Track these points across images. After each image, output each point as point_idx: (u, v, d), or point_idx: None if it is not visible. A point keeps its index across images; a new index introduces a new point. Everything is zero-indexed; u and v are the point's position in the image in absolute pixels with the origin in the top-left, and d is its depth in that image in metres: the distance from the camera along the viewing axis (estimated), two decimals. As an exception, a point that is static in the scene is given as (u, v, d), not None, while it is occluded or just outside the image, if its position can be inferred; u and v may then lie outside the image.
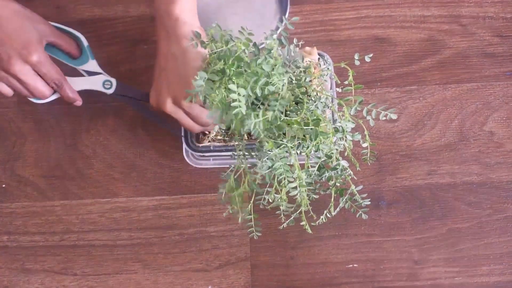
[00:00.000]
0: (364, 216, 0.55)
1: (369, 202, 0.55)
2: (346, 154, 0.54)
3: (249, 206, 0.54)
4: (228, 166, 0.59)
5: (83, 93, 0.65)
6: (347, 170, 0.54)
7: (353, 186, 0.54)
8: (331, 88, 0.65)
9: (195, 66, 0.51)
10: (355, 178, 0.56)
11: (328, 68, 0.62)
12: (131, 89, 0.64)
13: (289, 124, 0.50)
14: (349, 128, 0.52)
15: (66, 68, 0.64)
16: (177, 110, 0.56)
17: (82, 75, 0.65)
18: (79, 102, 0.64)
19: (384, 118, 0.52)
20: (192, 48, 0.51)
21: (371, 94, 0.72)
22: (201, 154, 0.64)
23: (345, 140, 0.52)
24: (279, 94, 0.51)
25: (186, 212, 0.68)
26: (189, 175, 0.70)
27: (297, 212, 0.54)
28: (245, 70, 0.49)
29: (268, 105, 0.51)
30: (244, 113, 0.46)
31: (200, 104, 0.55)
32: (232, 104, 0.46)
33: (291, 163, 0.51)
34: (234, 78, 0.48)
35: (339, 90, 0.59)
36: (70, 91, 0.62)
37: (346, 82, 0.54)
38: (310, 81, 0.58)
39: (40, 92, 0.60)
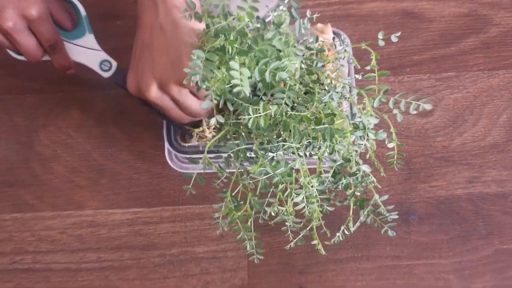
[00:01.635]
0: (390, 233, 0.55)
1: (397, 216, 0.55)
2: (368, 156, 0.54)
3: (249, 222, 0.54)
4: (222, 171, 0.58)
5: (46, 76, 0.64)
6: (369, 177, 0.53)
7: (376, 196, 0.54)
8: (348, 75, 0.65)
9: (188, 43, 0.50)
10: (379, 186, 0.55)
11: (345, 50, 0.62)
12: None
13: (295, 119, 0.50)
14: (371, 124, 0.52)
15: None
16: (164, 97, 0.54)
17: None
18: (72, 70, 0.63)
19: (415, 112, 0.51)
20: (184, 21, 0.51)
21: (398, 82, 0.73)
22: (188, 156, 0.64)
23: (367, 140, 0.51)
24: (285, 84, 0.50)
25: (169, 228, 0.68)
26: (172, 182, 0.70)
27: (307, 228, 0.54)
28: (250, 48, 0.48)
29: (272, 97, 0.51)
30: (248, 94, 0.46)
31: (191, 90, 0.54)
32: (233, 81, 0.45)
33: (296, 168, 0.51)
34: (237, 57, 0.47)
35: (359, 77, 0.59)
36: (65, 57, 0.61)
37: (367, 68, 0.54)
38: (323, 66, 0.58)
39: (32, 54, 0.58)
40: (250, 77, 0.46)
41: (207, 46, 0.47)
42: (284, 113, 0.48)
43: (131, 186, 0.70)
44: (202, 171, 0.64)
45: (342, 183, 0.53)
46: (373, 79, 0.54)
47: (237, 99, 0.48)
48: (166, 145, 0.64)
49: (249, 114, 0.46)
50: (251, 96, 0.50)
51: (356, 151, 0.52)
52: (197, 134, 0.63)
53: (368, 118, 0.51)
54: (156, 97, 0.54)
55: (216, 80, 0.47)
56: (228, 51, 0.47)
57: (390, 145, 0.54)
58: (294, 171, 0.50)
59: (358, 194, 0.54)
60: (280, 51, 0.49)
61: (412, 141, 0.71)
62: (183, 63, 0.50)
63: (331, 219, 0.63)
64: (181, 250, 0.68)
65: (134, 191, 0.70)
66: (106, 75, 0.62)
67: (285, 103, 0.48)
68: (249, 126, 0.47)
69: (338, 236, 0.56)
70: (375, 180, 0.54)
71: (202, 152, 0.63)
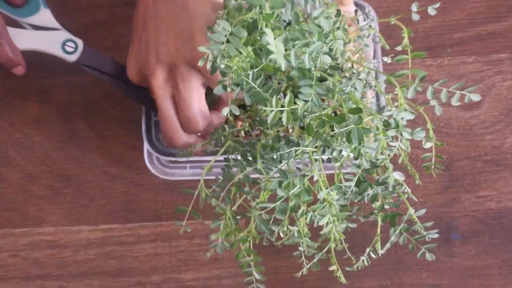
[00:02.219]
0: (429, 257, 0.55)
1: (437, 235, 0.53)
2: (400, 161, 0.54)
3: (246, 243, 0.55)
4: (215, 177, 0.59)
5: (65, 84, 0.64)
6: (402, 186, 0.53)
7: (411, 210, 0.53)
8: (374, 58, 0.65)
9: (204, 15, 0.50)
10: (413, 198, 0.54)
11: (370, 26, 0.61)
12: (105, 58, 0.63)
13: (317, 121, 0.49)
14: (405, 120, 0.52)
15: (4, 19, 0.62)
16: (165, 91, 0.54)
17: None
18: (21, 68, 0.62)
19: (457, 104, 0.50)
20: None
21: (436, 66, 0.72)
22: (173, 158, 0.64)
23: (400, 141, 0.51)
24: (310, 71, 0.51)
25: (149, 249, 0.68)
26: (154, 192, 0.69)
27: (324, 250, 0.54)
28: (288, 26, 0.49)
29: (295, 90, 0.51)
30: (284, 67, 0.46)
31: (202, 82, 0.54)
32: (269, 47, 0.45)
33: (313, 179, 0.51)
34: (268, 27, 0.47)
35: (388, 60, 0.58)
36: (10, 49, 0.60)
37: (398, 48, 0.53)
38: (343, 46, 0.57)
39: None
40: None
41: (235, 18, 0.48)
42: (309, 111, 0.49)
43: (101, 196, 0.69)
44: (191, 178, 0.68)
45: (368, 194, 0.52)
46: (405, 62, 0.52)
47: (255, 90, 0.48)
48: (146, 145, 0.64)
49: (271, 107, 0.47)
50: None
51: (388, 154, 0.52)
52: None
53: (401, 113, 0.51)
54: (160, 85, 0.54)
55: (240, 60, 0.47)
56: (261, 28, 0.48)
57: (426, 146, 0.54)
58: (309, 183, 0.51)
59: (388, 207, 0.54)
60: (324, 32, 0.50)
61: (454, 140, 0.70)
62: (197, 42, 0.51)
63: (353, 238, 0.62)
64: (165, 277, 0.67)
65: (106, 203, 0.69)
66: (72, 58, 0.62)
67: (313, 100, 0.49)
68: (269, 121, 0.47)
69: (363, 261, 0.55)
70: (409, 190, 0.53)
71: (190, 154, 0.63)
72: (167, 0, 0.52)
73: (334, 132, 0.50)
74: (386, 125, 0.51)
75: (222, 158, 0.61)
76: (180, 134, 0.56)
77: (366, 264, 0.55)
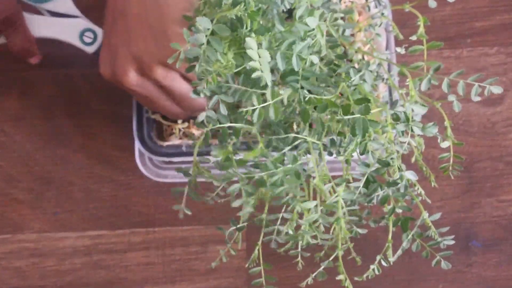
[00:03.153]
0: (444, 266, 0.54)
1: (453, 242, 0.54)
2: (413, 160, 0.54)
3: (256, 251, 0.55)
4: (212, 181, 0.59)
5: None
6: (416, 188, 0.53)
7: (425, 214, 0.53)
8: (387, 48, 0.65)
9: (177, 9, 0.51)
10: (428, 200, 0.55)
11: (382, 14, 0.62)
12: None
13: (315, 108, 0.49)
14: (418, 115, 0.51)
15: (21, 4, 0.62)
16: (146, 84, 0.56)
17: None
18: (36, 58, 0.64)
19: (478, 99, 0.50)
20: None
21: (455, 58, 0.72)
22: (167, 159, 0.64)
23: (411, 136, 0.51)
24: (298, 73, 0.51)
25: (141, 257, 0.68)
26: (145, 196, 0.70)
27: (330, 258, 0.54)
28: (272, 27, 0.49)
29: (282, 79, 0.51)
30: (270, 83, 0.46)
31: (181, 73, 0.55)
32: (251, 64, 0.45)
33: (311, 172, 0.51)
34: (255, 35, 0.47)
35: (402, 51, 0.57)
36: (27, 38, 0.61)
37: (413, 38, 0.53)
38: (352, 35, 0.59)
39: None
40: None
41: (216, 14, 0.47)
42: (302, 98, 0.49)
43: (88, 200, 0.69)
44: (186, 180, 0.65)
45: (378, 195, 0.52)
46: (420, 53, 0.52)
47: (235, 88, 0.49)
48: (137, 144, 0.64)
49: (252, 105, 0.47)
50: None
51: (398, 151, 0.52)
52: (179, 130, 0.64)
53: (412, 106, 0.50)
54: (136, 84, 0.55)
55: (220, 66, 0.47)
56: (245, 26, 0.47)
57: (444, 145, 0.53)
58: (305, 174, 0.51)
59: (400, 211, 0.54)
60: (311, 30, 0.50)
61: (474, 139, 0.71)
62: (170, 37, 0.51)
63: (363, 245, 0.62)
64: None
65: (93, 207, 0.69)
66: (91, 49, 0.63)
67: (301, 87, 0.49)
68: (254, 121, 0.47)
69: (373, 270, 0.55)
70: (423, 192, 0.53)
71: (186, 154, 0.64)
72: None
73: (341, 128, 0.50)
74: (396, 119, 0.51)
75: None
76: (178, 111, 0.57)
77: (376, 273, 0.55)
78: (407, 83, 0.51)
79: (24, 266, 0.68)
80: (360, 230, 0.54)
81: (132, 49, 0.53)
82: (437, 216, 0.53)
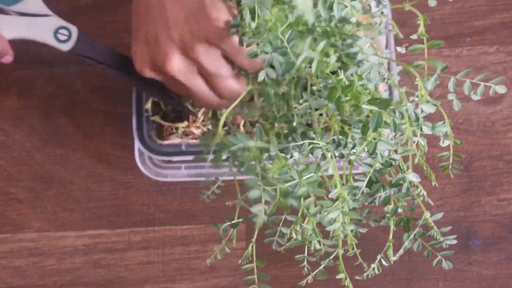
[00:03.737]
0: (445, 265, 0.54)
1: (455, 241, 0.54)
2: (416, 160, 0.54)
3: (249, 248, 0.55)
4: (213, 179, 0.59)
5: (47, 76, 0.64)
6: (418, 189, 0.53)
7: (426, 214, 0.53)
8: (386, 47, 0.65)
9: None
10: (429, 201, 0.55)
11: (382, 13, 0.61)
12: (104, 48, 0.63)
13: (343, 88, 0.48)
14: (426, 114, 0.51)
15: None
16: (190, 70, 0.55)
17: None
18: (9, 57, 0.62)
19: (478, 98, 0.51)
20: None
21: (455, 56, 0.72)
22: (166, 158, 0.64)
23: (419, 136, 0.50)
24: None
25: (141, 256, 0.68)
26: (145, 195, 0.70)
27: (331, 257, 0.54)
28: None
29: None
30: (313, 21, 0.47)
31: (222, 53, 0.54)
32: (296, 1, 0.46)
33: (328, 173, 0.51)
34: None
35: (402, 50, 0.58)
36: None
37: (414, 37, 0.53)
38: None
39: None
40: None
41: None
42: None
43: (88, 199, 0.69)
44: (186, 179, 0.68)
45: (380, 196, 0.52)
46: (420, 52, 0.52)
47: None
48: (137, 143, 0.64)
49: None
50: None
51: (401, 153, 0.52)
52: (177, 129, 0.64)
53: (423, 105, 0.50)
54: (178, 69, 0.54)
55: (271, 20, 0.47)
56: None
57: (444, 144, 0.54)
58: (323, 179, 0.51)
59: (401, 211, 0.54)
60: None
61: (474, 137, 0.71)
62: (210, 12, 0.51)
63: (364, 245, 0.61)
64: (158, 287, 0.66)
65: (93, 206, 0.69)
66: (65, 47, 0.61)
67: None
68: (313, 71, 0.48)
69: (373, 269, 0.56)
70: (425, 193, 0.54)
71: (186, 153, 0.64)
72: None
73: (342, 128, 0.50)
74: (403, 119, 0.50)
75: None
76: (215, 100, 0.57)
77: (377, 272, 0.55)
78: (416, 82, 0.51)
79: (24, 265, 0.68)
80: (361, 230, 0.54)
81: (172, 33, 0.53)
82: (439, 216, 0.53)
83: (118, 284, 0.68)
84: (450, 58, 0.72)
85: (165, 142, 0.63)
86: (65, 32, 0.61)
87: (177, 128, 0.64)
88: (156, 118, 0.64)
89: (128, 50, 0.65)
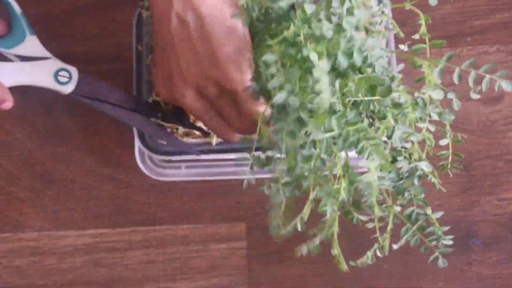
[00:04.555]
0: (441, 263, 0.55)
1: (452, 242, 0.54)
2: (424, 154, 0.54)
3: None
4: (214, 179, 0.60)
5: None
6: (429, 178, 0.54)
7: (428, 210, 0.54)
8: (387, 46, 0.66)
9: (220, 34, 0.52)
10: (443, 189, 0.55)
11: (383, 12, 0.62)
12: (105, 87, 0.63)
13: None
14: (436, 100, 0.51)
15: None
16: (203, 104, 0.56)
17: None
18: (9, 103, 0.62)
19: (477, 97, 0.51)
20: (208, 7, 0.52)
21: (455, 56, 0.73)
22: (166, 157, 0.64)
23: (428, 122, 0.51)
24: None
25: (141, 255, 0.68)
26: (146, 194, 0.70)
27: (327, 230, 0.53)
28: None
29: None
30: (328, 103, 0.46)
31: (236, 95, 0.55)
32: (317, 88, 0.46)
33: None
34: (310, 45, 0.48)
35: (405, 48, 0.58)
36: None
37: (416, 36, 0.53)
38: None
39: None
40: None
41: (275, 38, 0.48)
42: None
43: (89, 198, 0.70)
44: (187, 179, 0.68)
45: (400, 184, 0.53)
46: (421, 52, 0.53)
47: None
48: (137, 142, 0.64)
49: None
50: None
51: (412, 142, 0.53)
52: (177, 129, 0.64)
53: (431, 90, 0.50)
54: (195, 106, 0.56)
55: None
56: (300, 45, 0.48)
57: (443, 142, 0.54)
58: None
59: (417, 206, 0.54)
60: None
61: (473, 137, 0.71)
62: (220, 60, 0.52)
63: (363, 244, 0.61)
64: (158, 287, 0.68)
65: (93, 205, 0.69)
66: (67, 89, 0.61)
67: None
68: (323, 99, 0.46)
69: (367, 257, 0.55)
70: (438, 181, 0.54)
71: (186, 153, 0.64)
72: (180, 25, 0.53)
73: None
74: (414, 104, 0.51)
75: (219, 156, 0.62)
76: (231, 134, 0.58)
77: (369, 262, 0.54)
78: (423, 69, 0.51)
79: (24, 264, 0.68)
80: (362, 217, 0.54)
81: (185, 75, 0.54)
82: (439, 214, 0.54)
83: (118, 284, 0.68)
84: (450, 58, 0.72)
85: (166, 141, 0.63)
86: (65, 74, 0.61)
87: (177, 128, 0.63)
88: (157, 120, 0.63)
89: (129, 50, 0.66)
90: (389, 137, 0.49)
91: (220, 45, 0.52)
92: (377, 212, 0.52)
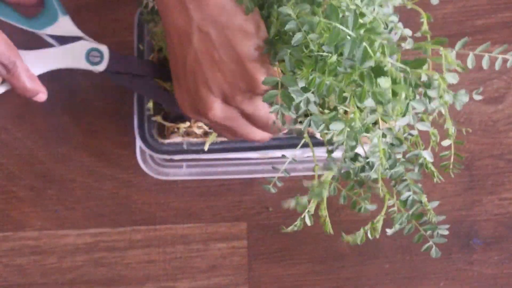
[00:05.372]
0: (434, 254, 0.54)
1: (447, 232, 0.53)
2: (429, 149, 0.53)
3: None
4: (215, 178, 0.60)
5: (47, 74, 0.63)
6: (429, 168, 0.53)
7: (423, 198, 0.53)
8: None
9: (245, 43, 0.52)
10: (441, 178, 0.54)
11: None
12: (135, 61, 0.64)
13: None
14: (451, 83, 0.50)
15: (19, 35, 0.61)
16: (233, 114, 0.56)
17: (48, 44, 0.63)
18: (42, 95, 0.63)
19: (480, 97, 0.51)
20: (229, 17, 0.53)
21: (456, 55, 0.71)
22: (167, 157, 0.65)
23: (444, 104, 0.50)
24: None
25: (141, 255, 0.68)
26: (146, 193, 0.70)
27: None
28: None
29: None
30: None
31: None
32: None
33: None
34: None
35: (409, 44, 0.58)
36: (28, 77, 0.61)
37: (418, 35, 0.54)
38: None
39: None
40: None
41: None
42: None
43: (89, 198, 0.70)
44: (188, 178, 0.68)
45: (397, 170, 0.52)
46: (421, 52, 0.53)
47: None
48: (138, 142, 0.64)
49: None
50: None
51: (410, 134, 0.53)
52: (178, 128, 0.64)
53: (446, 74, 0.50)
54: (224, 116, 0.56)
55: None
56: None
57: (445, 143, 0.54)
58: None
59: (413, 191, 0.53)
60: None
61: (475, 137, 0.71)
62: (248, 68, 0.53)
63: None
64: (159, 286, 0.68)
65: (94, 205, 0.70)
66: (99, 68, 0.62)
67: None
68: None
69: (358, 234, 0.54)
70: (435, 171, 0.54)
71: (187, 152, 0.64)
72: (201, 37, 0.53)
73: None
74: (416, 85, 0.50)
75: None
76: (258, 134, 0.58)
77: (358, 243, 0.54)
78: (441, 52, 0.51)
79: (25, 263, 0.68)
80: (369, 207, 0.54)
81: (211, 86, 0.54)
82: (435, 203, 0.53)
83: (119, 283, 0.68)
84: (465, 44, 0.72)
85: (167, 140, 0.64)
86: (97, 53, 0.62)
87: (178, 128, 0.64)
88: (158, 119, 0.64)
89: (130, 48, 0.66)
90: (404, 114, 0.49)
91: (244, 49, 0.52)
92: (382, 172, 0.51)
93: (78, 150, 0.71)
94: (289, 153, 0.58)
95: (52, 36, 0.62)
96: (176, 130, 0.64)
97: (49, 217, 0.69)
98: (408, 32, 0.57)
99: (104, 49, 0.62)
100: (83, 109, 0.71)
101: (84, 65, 0.62)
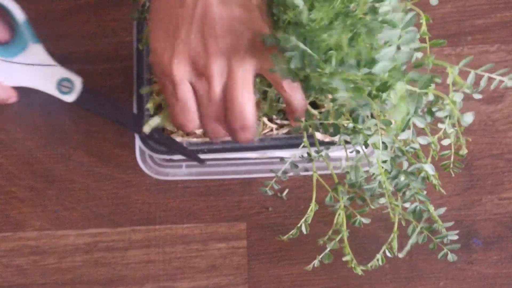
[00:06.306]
0: (451, 258, 0.55)
1: (456, 237, 0.55)
2: (429, 159, 0.54)
3: None
4: (214, 178, 0.60)
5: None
6: (431, 180, 0.53)
7: (431, 208, 0.54)
8: None
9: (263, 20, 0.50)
10: (443, 191, 0.56)
11: None
12: (109, 102, 0.62)
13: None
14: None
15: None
16: (189, 82, 0.53)
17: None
18: (13, 98, 0.63)
19: (479, 96, 0.51)
20: None
21: (456, 55, 0.73)
22: (167, 157, 0.65)
23: (452, 126, 0.51)
24: None
25: (141, 255, 0.69)
26: (146, 193, 0.70)
27: (337, 239, 0.55)
28: None
29: None
30: None
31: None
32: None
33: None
34: None
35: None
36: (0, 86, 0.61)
37: (416, 36, 0.53)
38: None
39: None
40: None
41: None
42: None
43: (89, 198, 0.70)
44: (187, 178, 0.68)
45: (400, 182, 0.52)
46: (423, 51, 0.54)
47: None
48: (138, 142, 0.64)
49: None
50: None
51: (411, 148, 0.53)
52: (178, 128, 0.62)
53: (454, 94, 0.50)
54: (182, 76, 0.53)
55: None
56: None
57: (445, 142, 0.54)
58: None
59: (419, 203, 0.54)
60: None
61: (474, 136, 0.71)
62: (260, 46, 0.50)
63: (363, 243, 0.64)
64: (158, 286, 0.68)
65: (94, 205, 0.70)
66: (68, 99, 0.62)
67: None
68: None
69: (377, 260, 0.56)
70: (438, 183, 0.54)
71: (185, 155, 0.63)
72: (220, 5, 0.51)
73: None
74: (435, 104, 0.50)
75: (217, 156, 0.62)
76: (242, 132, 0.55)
77: (380, 263, 0.55)
78: (447, 70, 0.51)
79: (24, 264, 0.68)
80: (363, 220, 0.55)
81: (220, 41, 0.51)
82: (442, 210, 0.55)
83: (118, 283, 0.68)
84: (451, 57, 0.72)
85: (167, 141, 0.63)
86: (68, 84, 0.61)
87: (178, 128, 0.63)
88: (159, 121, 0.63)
89: (129, 49, 0.66)
90: (403, 130, 0.49)
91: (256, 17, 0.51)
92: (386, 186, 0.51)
93: (77, 150, 0.71)
94: (288, 153, 0.58)
95: (22, 64, 0.61)
96: (175, 130, 0.63)
97: (48, 217, 0.69)
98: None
99: (77, 81, 0.61)
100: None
101: (52, 91, 0.61)
